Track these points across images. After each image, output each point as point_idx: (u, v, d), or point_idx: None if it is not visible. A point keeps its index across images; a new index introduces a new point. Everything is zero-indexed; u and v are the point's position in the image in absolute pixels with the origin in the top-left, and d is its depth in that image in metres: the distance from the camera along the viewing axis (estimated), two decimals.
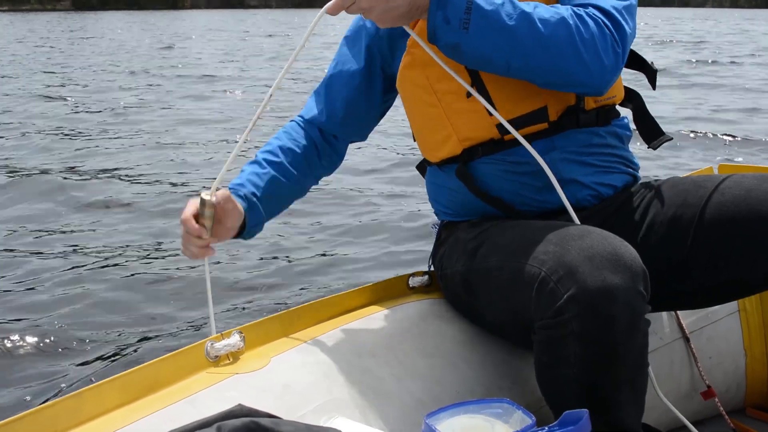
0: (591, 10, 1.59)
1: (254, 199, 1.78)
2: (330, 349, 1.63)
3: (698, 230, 1.66)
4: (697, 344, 2.09)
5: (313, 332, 1.68)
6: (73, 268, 4.35)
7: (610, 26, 1.59)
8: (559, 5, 1.61)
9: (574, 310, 1.38)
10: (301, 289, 4.01)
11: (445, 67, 1.67)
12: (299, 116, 2.00)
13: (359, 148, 6.26)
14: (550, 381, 1.50)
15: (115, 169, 6.88)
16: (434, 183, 1.92)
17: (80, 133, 8.79)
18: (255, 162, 1.88)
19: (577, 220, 1.65)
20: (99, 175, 6.60)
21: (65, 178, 6.46)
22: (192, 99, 11.71)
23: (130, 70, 16.19)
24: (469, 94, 1.69)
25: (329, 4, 1.63)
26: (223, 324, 3.38)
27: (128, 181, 6.44)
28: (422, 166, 2.01)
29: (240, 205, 1.72)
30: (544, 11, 1.57)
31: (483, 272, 1.67)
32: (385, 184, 5.83)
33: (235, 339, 1.57)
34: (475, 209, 1.81)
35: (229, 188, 1.77)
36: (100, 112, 10.38)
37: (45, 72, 15.88)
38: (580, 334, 1.39)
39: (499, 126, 1.71)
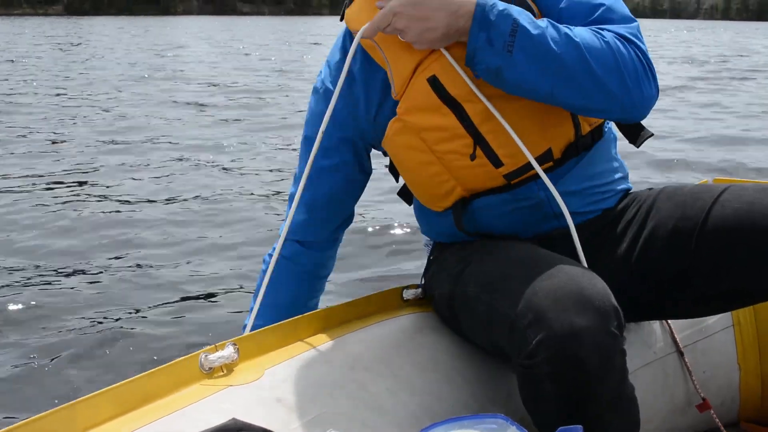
0: (605, 33, 1.57)
1: None
2: (324, 362, 1.62)
3: (700, 241, 1.66)
4: (691, 358, 2.09)
5: (307, 344, 1.67)
6: (66, 276, 4.34)
7: (641, 55, 1.57)
8: (595, 27, 1.58)
9: (543, 355, 1.38)
10: None
11: (474, 90, 1.61)
12: (290, 243, 1.90)
13: None
14: (533, 412, 1.50)
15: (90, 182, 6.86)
16: (424, 214, 1.92)
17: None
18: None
19: (584, 261, 1.64)
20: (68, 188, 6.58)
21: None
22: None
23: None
24: (473, 157, 1.66)
25: (365, 27, 1.61)
26: (217, 336, 3.37)
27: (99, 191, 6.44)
28: (405, 193, 1.98)
29: None
30: (586, 35, 1.54)
31: (463, 300, 1.67)
32: (380, 193, 5.82)
33: (229, 351, 1.56)
34: (465, 238, 1.81)
35: None
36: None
37: None
38: (552, 375, 1.39)
39: (506, 175, 1.69)
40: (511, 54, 1.50)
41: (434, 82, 1.63)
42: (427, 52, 1.63)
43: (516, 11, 1.52)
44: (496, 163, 1.67)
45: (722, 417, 2.14)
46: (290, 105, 11.90)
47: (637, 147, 1.84)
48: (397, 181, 1.95)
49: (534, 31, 1.50)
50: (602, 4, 1.63)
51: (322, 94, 1.84)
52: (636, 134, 1.81)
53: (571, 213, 1.70)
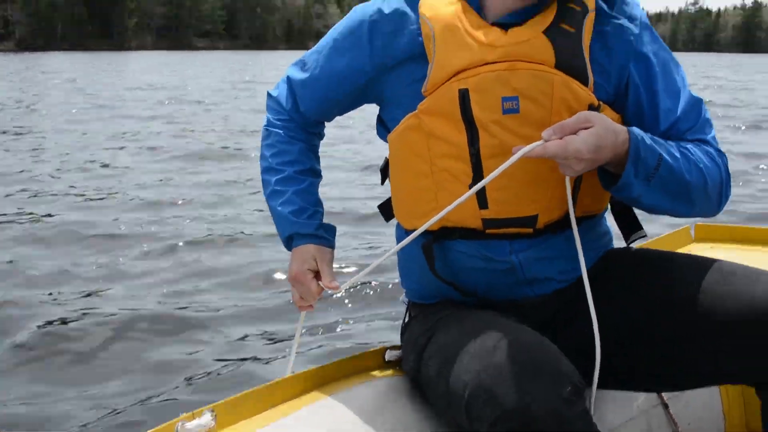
0: (712, 151, 1.67)
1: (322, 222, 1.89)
2: (303, 428, 1.58)
3: (669, 322, 1.61)
4: (675, 410, 2.07)
5: (287, 409, 1.63)
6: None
7: (724, 168, 1.68)
8: (701, 144, 1.67)
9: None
10: (279, 357, 3.76)
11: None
12: (282, 114, 1.91)
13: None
14: None
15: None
16: (404, 252, 1.83)
17: None
18: (292, 179, 1.88)
19: (594, 318, 1.61)
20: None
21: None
22: None
23: None
24: (471, 186, 1.61)
25: (535, 149, 1.49)
26: (192, 400, 3.27)
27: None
28: (387, 210, 1.91)
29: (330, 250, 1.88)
30: (705, 158, 1.64)
31: (426, 380, 1.65)
32: (359, 239, 5.74)
33: (206, 418, 1.51)
34: (439, 290, 1.77)
35: (315, 232, 1.86)
36: None
37: None
38: None
39: (485, 220, 1.65)
40: (649, 183, 1.56)
41: (464, 96, 1.59)
42: (473, 63, 1.59)
43: (659, 145, 1.57)
44: (483, 203, 1.63)
45: None
46: None
47: (627, 245, 1.82)
48: (383, 183, 1.90)
49: (673, 163, 1.58)
50: (701, 116, 1.70)
51: (366, 31, 1.74)
52: (631, 231, 1.80)
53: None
